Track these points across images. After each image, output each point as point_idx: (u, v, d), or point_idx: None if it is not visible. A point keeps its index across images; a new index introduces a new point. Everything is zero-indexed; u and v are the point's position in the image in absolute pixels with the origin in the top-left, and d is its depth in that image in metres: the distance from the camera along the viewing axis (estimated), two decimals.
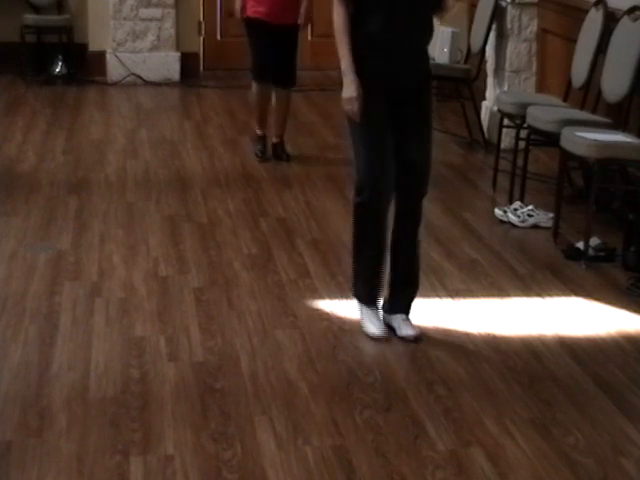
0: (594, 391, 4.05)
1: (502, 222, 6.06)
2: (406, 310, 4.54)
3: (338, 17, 4.30)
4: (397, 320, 4.49)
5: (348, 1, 4.26)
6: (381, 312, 4.55)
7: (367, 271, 4.50)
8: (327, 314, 4.68)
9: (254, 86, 7.19)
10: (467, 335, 4.51)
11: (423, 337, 4.44)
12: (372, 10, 4.25)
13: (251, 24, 7.02)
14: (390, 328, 4.49)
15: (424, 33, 4.36)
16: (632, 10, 6.12)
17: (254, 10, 6.94)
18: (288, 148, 7.30)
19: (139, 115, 8.64)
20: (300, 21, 6.98)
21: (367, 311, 4.52)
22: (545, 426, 3.75)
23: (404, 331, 4.45)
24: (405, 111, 4.33)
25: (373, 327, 4.46)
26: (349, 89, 4.27)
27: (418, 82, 4.37)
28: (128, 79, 9.78)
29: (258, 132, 7.34)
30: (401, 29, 4.26)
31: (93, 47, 9.89)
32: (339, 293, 4.93)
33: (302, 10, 6.95)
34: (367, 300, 4.53)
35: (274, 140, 7.28)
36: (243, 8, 7.02)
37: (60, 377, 4.00)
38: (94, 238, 5.58)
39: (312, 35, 10.30)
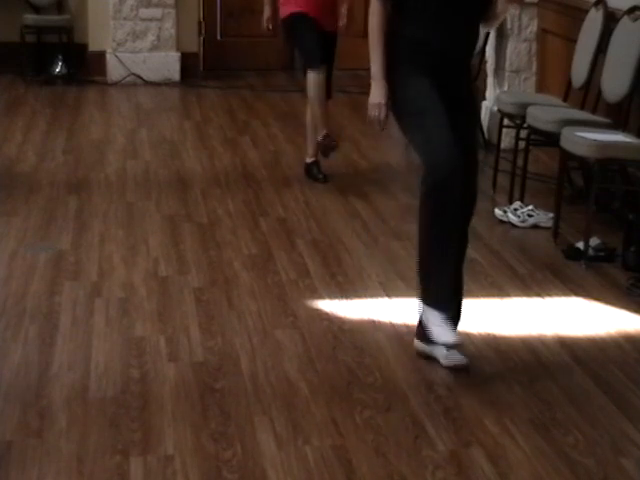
0: (594, 391, 4.05)
1: (502, 222, 6.06)
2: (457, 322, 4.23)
3: (373, 16, 4.07)
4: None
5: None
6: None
7: (447, 268, 4.10)
8: (327, 314, 4.68)
9: (312, 76, 6.60)
10: (467, 335, 4.50)
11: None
12: (418, 10, 4.01)
13: (293, 19, 6.63)
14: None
15: (470, 42, 4.12)
16: (632, 10, 6.12)
17: (295, 6, 6.60)
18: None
19: (139, 115, 8.64)
20: (342, 23, 6.76)
21: (440, 316, 4.11)
22: (545, 426, 3.75)
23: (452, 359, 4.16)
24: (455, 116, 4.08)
25: (450, 335, 4.10)
26: (377, 94, 4.07)
27: (460, 97, 4.15)
28: (128, 79, 9.78)
29: (323, 134, 6.65)
30: (448, 35, 4.01)
31: (93, 47, 9.89)
32: (339, 293, 4.93)
33: (343, 10, 6.74)
34: (444, 304, 4.11)
35: (311, 159, 6.89)
36: (274, 13, 6.80)
37: (60, 377, 4.00)
38: (94, 238, 5.58)
39: None
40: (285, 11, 6.69)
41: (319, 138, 6.65)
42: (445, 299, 4.13)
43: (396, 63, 4.09)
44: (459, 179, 3.94)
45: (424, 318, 4.17)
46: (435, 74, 4.04)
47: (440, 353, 4.18)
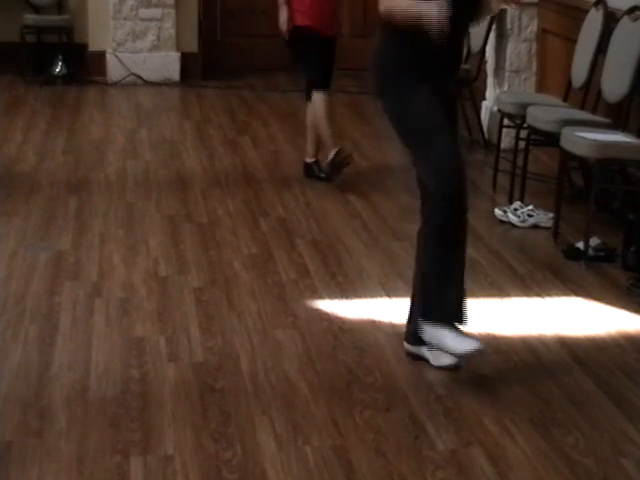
0: (594, 391, 4.05)
1: (502, 222, 6.06)
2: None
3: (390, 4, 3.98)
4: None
5: None
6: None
7: (459, 277, 4.10)
8: (327, 314, 4.68)
9: (319, 97, 6.67)
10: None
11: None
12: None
13: (301, 34, 6.63)
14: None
15: (464, 43, 4.19)
16: (632, 10, 6.12)
17: (302, 20, 6.61)
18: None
19: (139, 115, 8.64)
20: (345, 30, 6.84)
21: (450, 329, 4.04)
22: (545, 426, 3.75)
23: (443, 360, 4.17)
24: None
25: (469, 341, 4.04)
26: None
27: (449, 98, 4.17)
28: (128, 79, 9.78)
29: (335, 150, 6.65)
30: (453, 38, 3.98)
31: (93, 47, 9.90)
32: (339, 293, 4.93)
33: (343, 18, 6.83)
34: (456, 317, 4.08)
35: (311, 160, 6.88)
36: (290, 19, 6.67)
37: (60, 377, 4.00)
38: (94, 238, 5.58)
39: None
40: (292, 21, 6.63)
41: (331, 156, 6.65)
42: (459, 309, 4.11)
43: (401, 70, 4.05)
44: (466, 189, 4.05)
45: (434, 337, 4.05)
46: (436, 80, 4.04)
47: (429, 354, 4.19)
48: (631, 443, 3.66)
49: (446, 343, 4.03)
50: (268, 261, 5.32)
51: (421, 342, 4.18)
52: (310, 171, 6.84)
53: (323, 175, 6.76)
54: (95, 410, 3.76)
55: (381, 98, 4.15)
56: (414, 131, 4.09)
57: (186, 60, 9.94)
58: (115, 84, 9.71)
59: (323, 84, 6.72)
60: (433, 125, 4.03)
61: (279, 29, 6.73)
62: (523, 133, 6.40)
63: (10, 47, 9.63)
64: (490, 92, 7.90)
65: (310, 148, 6.87)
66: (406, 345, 4.29)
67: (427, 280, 4.10)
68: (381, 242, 5.70)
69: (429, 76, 4.02)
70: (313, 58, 6.68)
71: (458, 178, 4.00)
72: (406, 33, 3.98)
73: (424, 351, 4.21)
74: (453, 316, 4.08)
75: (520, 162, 6.40)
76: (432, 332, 4.06)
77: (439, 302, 4.07)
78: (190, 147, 7.60)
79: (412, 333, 4.23)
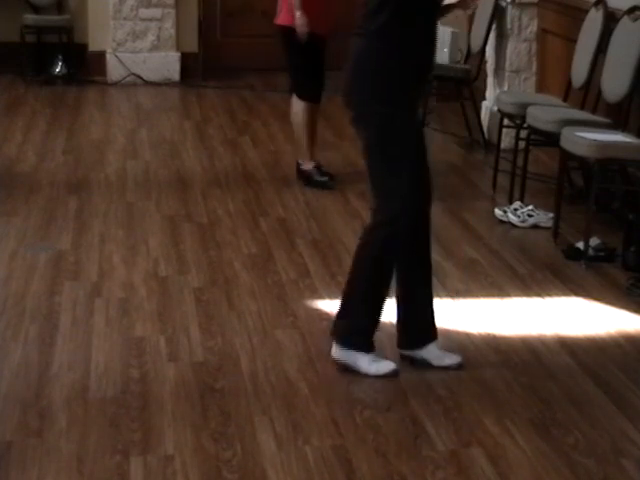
0: (594, 391, 4.05)
1: (502, 222, 6.06)
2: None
3: None
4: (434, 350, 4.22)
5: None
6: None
7: (379, 312, 4.10)
8: (327, 314, 4.67)
9: (304, 106, 6.56)
10: (467, 335, 4.51)
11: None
12: (420, 30, 3.95)
13: (309, 39, 6.40)
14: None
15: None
16: (632, 10, 6.12)
17: (312, 25, 6.36)
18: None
19: (139, 115, 8.64)
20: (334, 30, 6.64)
21: (369, 355, 4.09)
22: (545, 426, 3.75)
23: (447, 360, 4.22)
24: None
25: (386, 364, 4.10)
26: None
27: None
28: (128, 79, 9.78)
29: (313, 163, 6.66)
30: (433, 55, 4.06)
31: (93, 47, 9.89)
32: (339, 293, 4.91)
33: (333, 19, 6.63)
34: (371, 346, 4.11)
35: (310, 165, 6.69)
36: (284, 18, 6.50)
37: (60, 377, 4.00)
38: (94, 238, 5.58)
39: None
40: (289, 22, 6.46)
41: (305, 167, 6.63)
42: (372, 342, 4.12)
43: (391, 92, 3.95)
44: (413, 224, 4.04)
45: (355, 364, 4.08)
46: (418, 99, 4.05)
47: (429, 354, 4.19)
48: (631, 443, 3.66)
49: (369, 366, 4.07)
50: (268, 261, 5.32)
51: (415, 345, 4.20)
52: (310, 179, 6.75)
53: (325, 179, 6.67)
54: (95, 410, 3.76)
55: (367, 107, 4.00)
56: (387, 156, 3.98)
57: (186, 60, 9.93)
58: (115, 84, 9.71)
59: (318, 96, 6.57)
60: (406, 155, 3.98)
61: (300, 34, 6.41)
62: (523, 133, 6.40)
63: (10, 47, 9.62)
64: (490, 92, 7.90)
65: (306, 153, 6.76)
66: (400, 350, 4.27)
67: (350, 308, 4.11)
68: None
69: (415, 89, 4.01)
70: (313, 67, 6.54)
71: (412, 215, 4.00)
72: (399, 44, 3.92)
73: (421, 354, 4.21)
74: (370, 345, 4.10)
75: (520, 162, 6.40)
76: (355, 360, 4.09)
77: (361, 331, 4.10)
78: (190, 147, 7.60)
79: (404, 337, 4.24)
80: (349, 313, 4.12)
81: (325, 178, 6.65)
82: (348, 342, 4.09)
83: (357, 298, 4.10)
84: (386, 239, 3.99)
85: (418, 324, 4.23)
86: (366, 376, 4.07)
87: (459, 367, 4.17)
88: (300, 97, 6.61)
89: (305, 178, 6.67)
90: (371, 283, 4.08)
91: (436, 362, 4.18)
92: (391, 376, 4.07)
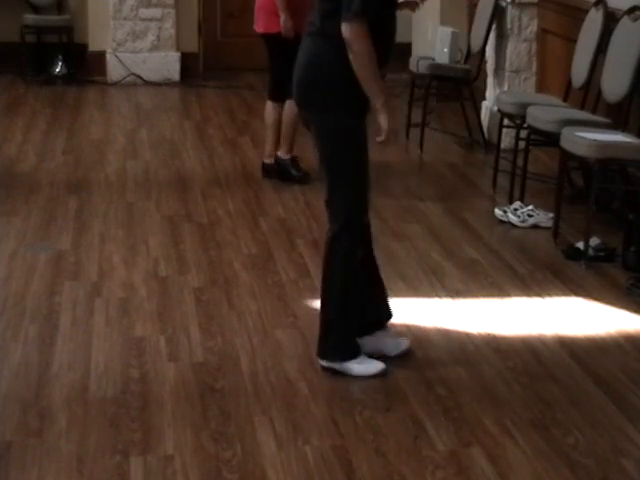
0: (594, 391, 4.05)
1: (502, 222, 6.05)
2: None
3: (362, 40, 3.76)
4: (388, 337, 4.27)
5: (367, 13, 3.76)
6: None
7: (353, 318, 4.09)
8: None
9: (290, 105, 6.48)
10: (467, 335, 4.51)
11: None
12: (382, 38, 3.88)
13: (294, 41, 6.20)
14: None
15: None
16: (632, 10, 6.12)
17: (296, 27, 6.34)
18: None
19: (139, 115, 8.64)
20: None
21: (359, 358, 4.10)
22: (545, 426, 3.75)
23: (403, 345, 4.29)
24: None
25: (375, 364, 4.10)
26: (387, 118, 3.92)
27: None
28: (128, 79, 9.78)
29: (291, 155, 6.78)
30: (392, 37, 4.01)
31: (93, 47, 9.90)
32: None
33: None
34: (358, 350, 4.11)
35: (287, 157, 6.80)
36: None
37: (60, 377, 4.00)
38: (94, 238, 5.58)
39: None
40: (276, 26, 6.47)
41: (270, 161, 6.76)
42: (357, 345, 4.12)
43: (343, 96, 3.91)
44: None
45: (344, 369, 4.07)
46: (369, 103, 3.98)
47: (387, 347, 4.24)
48: (631, 443, 3.66)
49: (359, 368, 4.07)
50: (268, 261, 5.32)
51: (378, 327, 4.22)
52: (283, 170, 6.82)
53: (300, 174, 6.72)
54: (95, 410, 3.76)
55: (323, 113, 3.95)
56: (346, 162, 3.99)
57: (186, 60, 9.94)
58: (115, 84, 9.71)
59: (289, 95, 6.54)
60: (363, 164, 4.00)
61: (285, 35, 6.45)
62: (523, 133, 6.40)
63: (10, 47, 9.63)
64: (490, 92, 7.90)
65: (288, 144, 6.83)
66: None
67: (331, 325, 4.08)
68: (381, 242, 5.69)
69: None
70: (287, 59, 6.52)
71: (363, 224, 4.08)
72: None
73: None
74: (357, 350, 4.10)
75: (520, 162, 6.40)
76: (350, 368, 4.09)
77: (345, 339, 4.08)
78: (190, 147, 7.60)
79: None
80: (332, 330, 4.08)
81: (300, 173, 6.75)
82: (338, 357, 4.08)
83: (335, 313, 4.07)
84: (348, 247, 4.00)
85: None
86: (364, 376, 4.07)
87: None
88: (280, 100, 6.68)
89: (283, 172, 6.74)
90: (346, 294, 4.04)
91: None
92: (381, 375, 4.07)
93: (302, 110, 4.09)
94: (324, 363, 4.10)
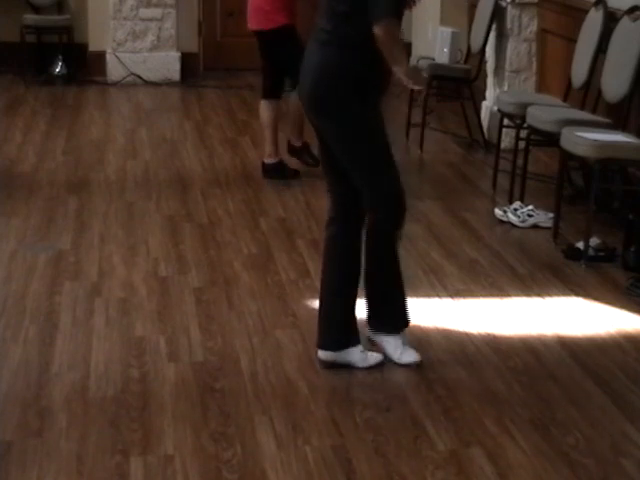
0: (594, 391, 4.05)
1: (502, 222, 6.05)
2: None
3: (397, 40, 3.91)
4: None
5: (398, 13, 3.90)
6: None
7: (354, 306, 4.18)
8: None
9: (295, 96, 6.45)
10: (467, 335, 4.51)
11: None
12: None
13: (288, 37, 6.52)
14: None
15: None
16: (632, 10, 6.12)
17: (285, 18, 6.51)
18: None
19: (139, 115, 8.64)
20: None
21: (359, 347, 4.15)
22: (545, 426, 3.75)
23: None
24: None
25: (375, 356, 4.17)
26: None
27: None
28: (128, 79, 9.78)
29: (303, 142, 6.92)
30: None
31: (93, 47, 9.90)
32: None
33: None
34: (359, 338, 4.17)
35: (299, 143, 6.94)
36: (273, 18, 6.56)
37: (60, 377, 4.00)
38: (94, 238, 5.58)
39: None
40: (278, 21, 6.50)
41: (271, 160, 6.81)
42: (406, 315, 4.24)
43: (363, 88, 3.94)
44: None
45: (347, 360, 4.13)
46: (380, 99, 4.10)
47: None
48: (631, 443, 3.66)
49: (355, 361, 4.12)
50: (268, 261, 5.32)
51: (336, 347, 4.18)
52: (299, 155, 6.96)
53: (310, 161, 6.84)
54: (95, 410, 3.76)
55: (340, 112, 3.98)
56: (374, 148, 4.04)
57: (186, 60, 9.94)
58: (115, 84, 9.71)
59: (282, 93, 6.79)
60: (388, 142, 4.06)
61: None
62: (523, 133, 6.40)
63: (10, 47, 9.63)
64: (490, 92, 7.90)
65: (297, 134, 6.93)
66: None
67: (388, 296, 4.21)
68: None
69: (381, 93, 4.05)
70: (298, 60, 6.55)
71: (405, 205, 4.15)
72: (371, 48, 3.87)
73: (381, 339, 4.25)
74: (402, 324, 4.23)
75: (520, 162, 6.40)
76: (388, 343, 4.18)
77: (402, 311, 4.22)
78: (190, 147, 7.60)
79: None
80: (389, 301, 4.21)
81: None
82: (343, 344, 4.11)
83: (391, 283, 4.20)
84: (394, 231, 4.16)
85: (339, 324, 4.18)
86: (365, 376, 4.07)
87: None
88: (281, 94, 6.77)
89: (278, 171, 6.81)
90: (397, 274, 4.19)
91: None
92: (379, 366, 4.11)
93: (317, 118, 4.06)
94: (324, 357, 4.11)
